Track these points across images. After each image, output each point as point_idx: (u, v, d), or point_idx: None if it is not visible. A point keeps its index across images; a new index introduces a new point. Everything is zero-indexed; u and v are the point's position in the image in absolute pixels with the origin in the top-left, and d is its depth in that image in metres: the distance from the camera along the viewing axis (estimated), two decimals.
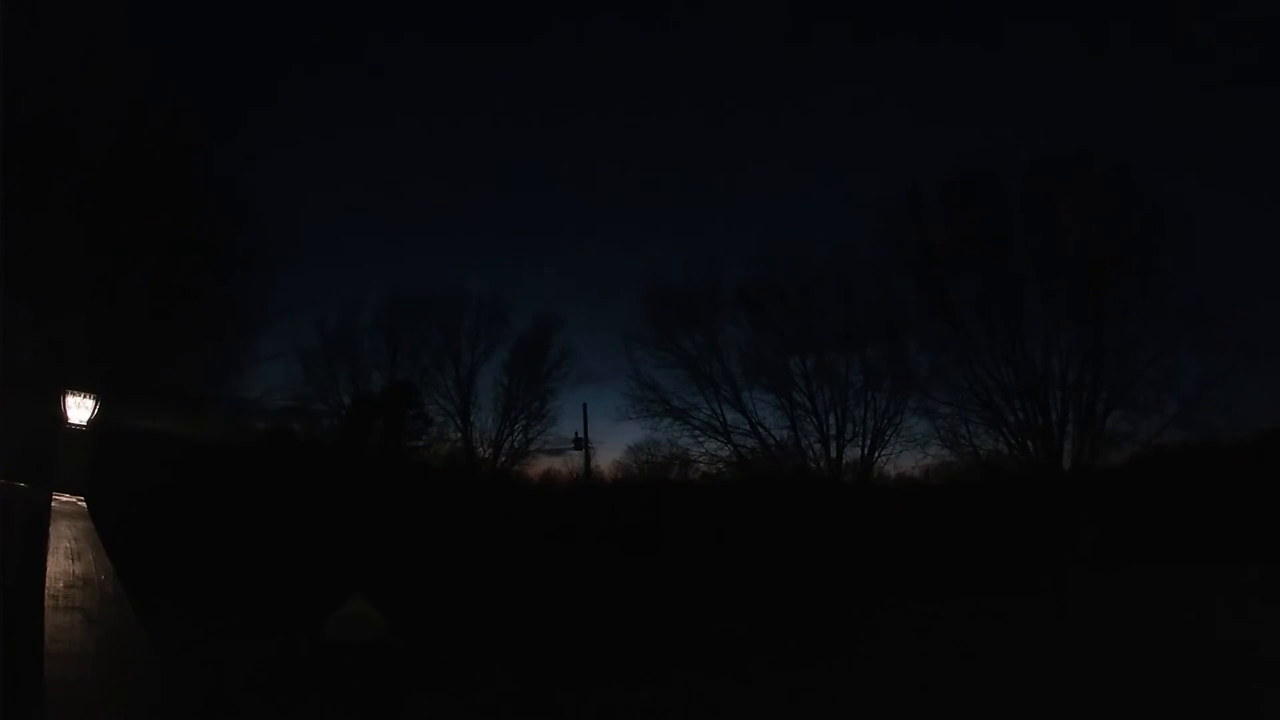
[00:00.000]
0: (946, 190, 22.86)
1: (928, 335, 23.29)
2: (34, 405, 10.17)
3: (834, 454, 24.49)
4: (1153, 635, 12.96)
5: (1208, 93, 34.57)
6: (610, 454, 34.70)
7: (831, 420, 24.49)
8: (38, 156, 14.29)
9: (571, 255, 46.56)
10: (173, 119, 17.52)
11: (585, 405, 27.28)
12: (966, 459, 23.57)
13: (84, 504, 7.07)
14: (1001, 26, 37.91)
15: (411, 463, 26.75)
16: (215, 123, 18.55)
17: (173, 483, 16.10)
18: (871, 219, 24.02)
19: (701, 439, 25.49)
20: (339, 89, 44.30)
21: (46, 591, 3.14)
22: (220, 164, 19.03)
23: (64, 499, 7.01)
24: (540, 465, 29.56)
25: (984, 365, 21.87)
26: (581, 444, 26.85)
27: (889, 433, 24.38)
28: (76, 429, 8.96)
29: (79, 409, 9.00)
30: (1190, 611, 14.57)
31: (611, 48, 45.65)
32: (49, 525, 5.05)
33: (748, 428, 25.30)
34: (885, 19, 40.17)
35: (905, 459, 25.31)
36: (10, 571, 4.09)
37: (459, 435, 27.51)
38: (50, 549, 4.17)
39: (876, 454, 24.65)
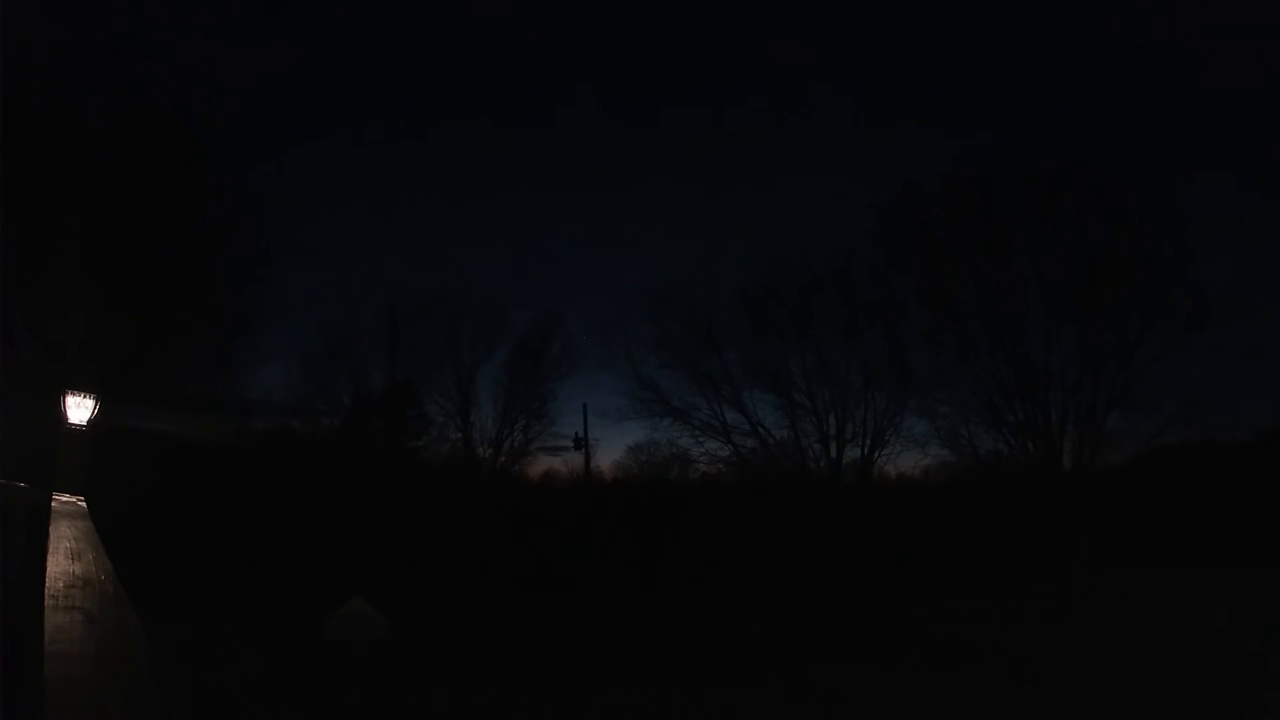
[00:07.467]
0: (947, 190, 22.90)
1: (928, 335, 23.36)
2: (34, 405, 10.16)
3: (834, 454, 24.57)
4: (1153, 636, 12.94)
5: (1209, 91, 34.56)
6: (610, 454, 34.64)
7: (831, 420, 24.58)
8: (39, 156, 14.29)
9: (571, 255, 46.56)
10: (176, 118, 17.53)
11: (585, 405, 27.28)
12: (966, 459, 23.67)
13: (84, 504, 7.05)
14: (1003, 25, 37.89)
15: (411, 462, 26.70)
16: (219, 124, 18.59)
17: (173, 482, 16.11)
18: (871, 219, 24.11)
19: (701, 439, 25.60)
20: (340, 90, 44.25)
21: (46, 591, 3.13)
22: (223, 164, 19.08)
23: (64, 499, 7.00)
24: (540, 465, 29.54)
25: (984, 365, 21.92)
26: (581, 444, 26.84)
27: (889, 433, 24.51)
28: (76, 429, 8.94)
29: (79, 409, 8.98)
30: (1190, 613, 14.55)
31: (611, 47, 45.59)
32: (49, 525, 5.04)
33: (748, 428, 25.37)
34: (886, 18, 40.16)
35: (905, 459, 25.43)
36: (10, 571, 4.09)
37: (459, 435, 27.47)
38: (50, 549, 4.16)
39: (876, 454, 24.76)
